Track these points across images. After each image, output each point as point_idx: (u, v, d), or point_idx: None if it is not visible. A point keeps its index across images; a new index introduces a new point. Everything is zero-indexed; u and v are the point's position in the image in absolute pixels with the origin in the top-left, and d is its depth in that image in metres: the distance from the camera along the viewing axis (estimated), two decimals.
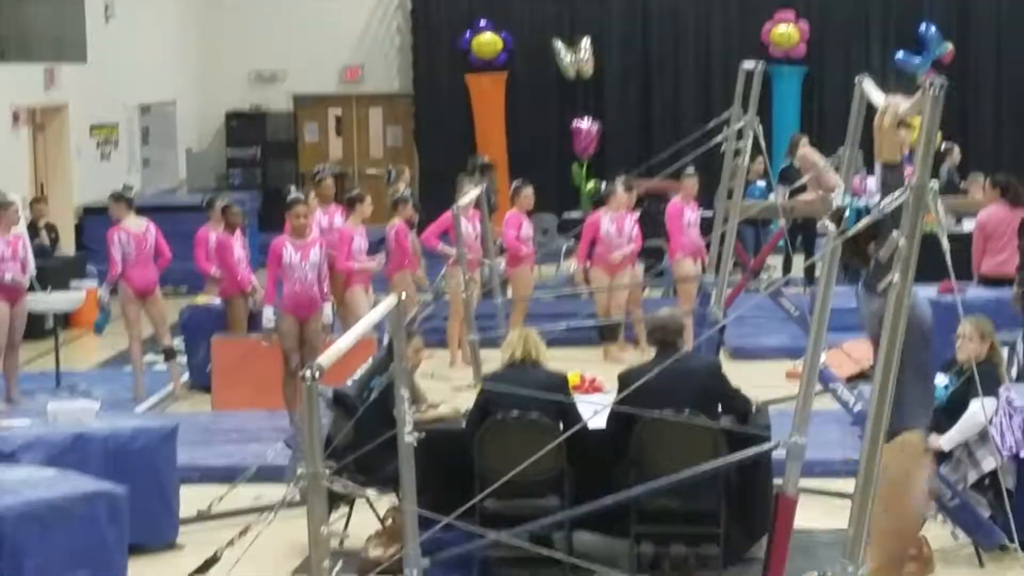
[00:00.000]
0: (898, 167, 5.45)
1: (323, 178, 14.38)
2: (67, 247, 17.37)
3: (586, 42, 21.83)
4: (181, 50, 22.16)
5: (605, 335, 13.89)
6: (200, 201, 15.16)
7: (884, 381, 4.74)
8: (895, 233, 4.76)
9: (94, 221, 17.46)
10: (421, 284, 13.96)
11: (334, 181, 14.96)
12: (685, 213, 13.79)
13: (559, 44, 21.83)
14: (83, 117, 18.66)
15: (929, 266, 5.40)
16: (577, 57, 21.82)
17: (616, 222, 13.72)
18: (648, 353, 9.46)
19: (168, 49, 21.59)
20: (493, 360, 8.67)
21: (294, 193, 13.22)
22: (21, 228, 14.41)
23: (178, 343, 13.30)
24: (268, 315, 11.13)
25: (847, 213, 5.49)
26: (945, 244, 4.84)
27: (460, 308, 12.21)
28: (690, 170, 13.45)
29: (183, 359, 13.14)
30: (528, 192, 14.00)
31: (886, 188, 5.45)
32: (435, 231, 13.51)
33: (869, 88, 5.56)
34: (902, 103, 5.33)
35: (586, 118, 21.85)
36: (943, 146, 17.80)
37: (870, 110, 5.65)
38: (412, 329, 8.98)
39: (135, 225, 12.64)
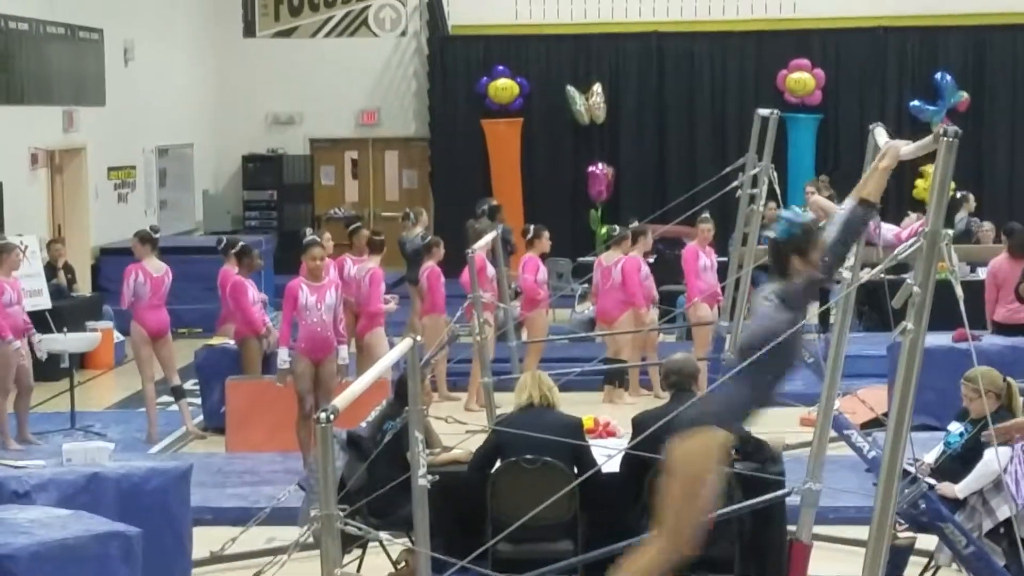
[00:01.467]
0: (872, 209, 5.48)
1: (359, 228, 14.38)
2: (83, 288, 17.44)
3: (598, 87, 21.91)
4: (199, 93, 22.29)
5: (614, 379, 13.92)
6: (215, 243, 15.20)
7: (898, 428, 4.74)
8: (909, 280, 4.77)
9: (111, 262, 17.53)
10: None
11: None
12: (700, 258, 13.83)
13: (571, 89, 21.92)
14: (101, 159, 18.77)
15: (942, 313, 5.41)
16: (589, 102, 21.90)
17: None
18: (662, 397, 9.44)
19: (186, 92, 21.71)
20: (508, 403, 8.66)
21: (310, 235, 13.26)
22: (35, 267, 14.50)
23: (193, 384, 13.29)
24: (283, 357, 11.14)
25: (779, 221, 5.54)
26: (959, 292, 4.85)
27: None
28: (705, 215, 13.50)
29: (196, 400, 13.14)
30: (546, 236, 14.09)
31: (850, 224, 5.47)
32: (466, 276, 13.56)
33: (879, 133, 5.61)
34: (903, 146, 5.36)
35: (599, 163, 21.93)
36: (958, 194, 17.81)
37: None
38: (424, 371, 8.98)
39: (154, 268, 12.68)
